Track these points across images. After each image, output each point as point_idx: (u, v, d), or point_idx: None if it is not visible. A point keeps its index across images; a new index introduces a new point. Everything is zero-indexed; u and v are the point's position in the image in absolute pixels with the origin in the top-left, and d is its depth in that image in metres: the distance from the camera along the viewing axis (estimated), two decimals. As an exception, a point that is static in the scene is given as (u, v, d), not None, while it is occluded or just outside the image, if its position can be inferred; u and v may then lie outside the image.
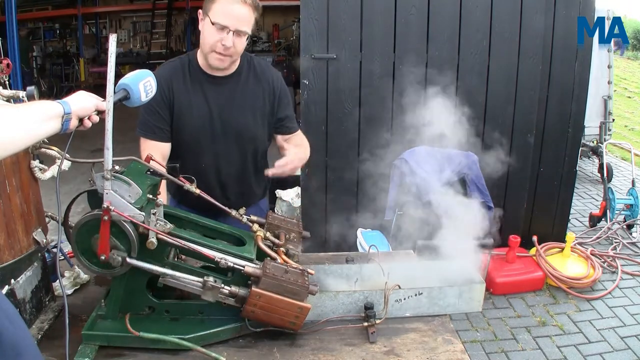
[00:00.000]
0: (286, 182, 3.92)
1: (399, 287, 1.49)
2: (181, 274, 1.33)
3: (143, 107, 1.60)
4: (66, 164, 1.32)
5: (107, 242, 1.25)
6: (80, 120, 1.20)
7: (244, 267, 1.33)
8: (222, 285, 1.32)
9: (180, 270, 1.34)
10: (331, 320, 1.46)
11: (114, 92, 1.22)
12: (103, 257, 1.26)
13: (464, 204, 2.22)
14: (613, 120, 5.76)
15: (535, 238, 3.57)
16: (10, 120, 1.02)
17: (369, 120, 3.47)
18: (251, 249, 1.43)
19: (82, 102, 1.20)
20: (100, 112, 1.23)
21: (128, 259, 1.28)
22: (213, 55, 1.75)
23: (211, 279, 1.32)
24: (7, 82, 1.49)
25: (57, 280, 1.51)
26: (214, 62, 1.77)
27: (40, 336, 1.37)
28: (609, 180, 5.02)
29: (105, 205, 1.22)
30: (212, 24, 1.70)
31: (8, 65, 1.52)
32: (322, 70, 3.33)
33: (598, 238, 4.11)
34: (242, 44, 1.75)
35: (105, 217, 1.23)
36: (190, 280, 1.33)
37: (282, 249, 1.49)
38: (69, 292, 1.60)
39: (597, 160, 5.70)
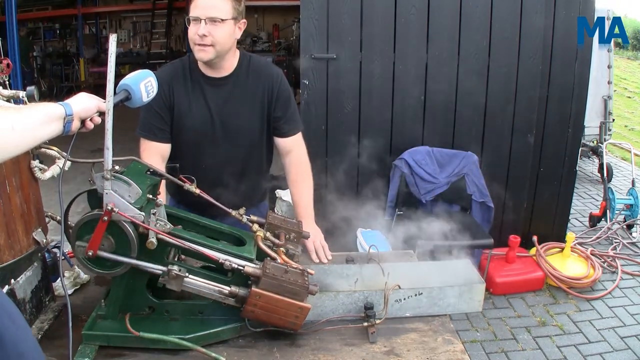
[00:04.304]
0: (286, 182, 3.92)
1: (399, 287, 1.49)
2: (148, 263, 1.32)
3: (143, 107, 1.60)
4: (66, 164, 1.32)
5: (99, 240, 1.25)
6: (82, 122, 1.20)
7: (244, 267, 1.33)
8: (187, 274, 1.31)
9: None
10: (331, 320, 1.46)
11: (115, 93, 1.22)
12: (90, 253, 1.26)
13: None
14: (613, 120, 5.75)
15: (535, 238, 3.57)
16: (11, 122, 1.01)
17: (369, 120, 3.47)
18: (251, 249, 1.43)
19: (83, 104, 1.19)
20: (102, 114, 1.23)
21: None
22: (196, 48, 1.76)
23: (175, 267, 1.30)
24: (7, 82, 1.49)
25: (58, 280, 1.51)
26: (197, 55, 1.78)
27: (40, 336, 1.37)
28: (609, 180, 5.01)
29: (109, 207, 1.22)
30: (188, 20, 1.74)
31: (8, 65, 1.52)
32: (322, 70, 3.33)
33: (598, 238, 4.11)
34: (219, 32, 1.73)
35: (105, 218, 1.23)
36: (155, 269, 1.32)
37: (282, 249, 1.49)
38: (69, 292, 1.60)
39: (597, 160, 5.69)
